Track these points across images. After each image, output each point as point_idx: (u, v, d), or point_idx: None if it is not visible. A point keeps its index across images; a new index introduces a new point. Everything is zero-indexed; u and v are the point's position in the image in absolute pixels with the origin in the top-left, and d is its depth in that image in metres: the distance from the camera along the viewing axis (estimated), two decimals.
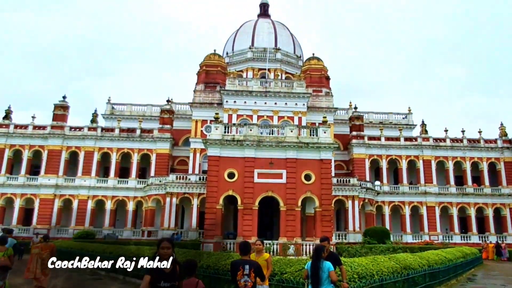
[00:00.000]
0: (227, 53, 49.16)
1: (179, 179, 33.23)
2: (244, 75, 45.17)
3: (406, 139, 40.20)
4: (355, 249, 22.80)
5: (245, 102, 37.02)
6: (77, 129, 38.56)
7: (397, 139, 39.89)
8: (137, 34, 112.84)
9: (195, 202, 32.44)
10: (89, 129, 38.55)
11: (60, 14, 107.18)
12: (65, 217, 37.10)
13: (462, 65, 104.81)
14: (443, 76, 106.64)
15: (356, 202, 33.98)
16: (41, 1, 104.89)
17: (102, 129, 38.91)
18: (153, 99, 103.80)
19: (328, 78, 41.92)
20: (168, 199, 32.62)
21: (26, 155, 37.42)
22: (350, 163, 40.00)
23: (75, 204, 36.55)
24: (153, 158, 37.96)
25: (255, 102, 36.95)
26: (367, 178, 37.81)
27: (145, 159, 38.46)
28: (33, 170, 38.11)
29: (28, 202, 36.74)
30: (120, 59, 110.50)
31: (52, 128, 37.94)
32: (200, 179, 33.08)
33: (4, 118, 38.91)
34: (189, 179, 33.35)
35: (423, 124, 42.13)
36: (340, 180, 34.61)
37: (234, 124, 30.87)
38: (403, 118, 46.09)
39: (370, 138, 39.81)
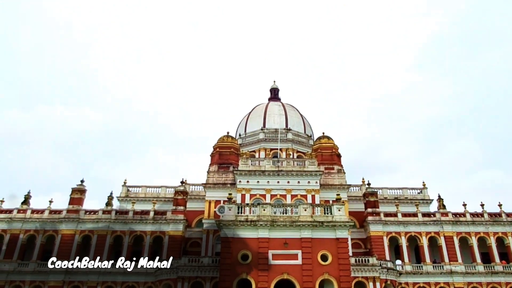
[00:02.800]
0: (239, 135, 51.05)
1: (192, 261, 32.26)
2: (257, 155, 46.28)
3: (424, 215, 39.09)
4: None
5: (258, 181, 37.38)
6: (92, 213, 38.86)
7: (415, 215, 38.83)
8: (153, 120, 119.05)
9: (208, 286, 30.98)
10: (104, 212, 38.81)
11: (79, 106, 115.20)
12: None
13: (475, 140, 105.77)
14: (457, 151, 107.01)
15: (378, 284, 31.95)
16: (66, 96, 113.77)
17: (117, 211, 39.11)
18: (167, 181, 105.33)
19: (339, 156, 42.55)
20: (179, 284, 31.31)
21: (39, 240, 37.35)
22: (368, 241, 38.52)
23: None
24: (165, 240, 37.36)
25: (268, 182, 37.26)
26: (387, 257, 36.05)
27: (157, 241, 37.85)
28: (45, 255, 37.63)
29: None
30: (136, 145, 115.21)
31: (67, 212, 38.35)
32: (213, 261, 32.05)
33: (22, 203, 39.75)
34: (202, 261, 32.34)
35: (440, 199, 41.24)
36: (359, 260, 33.05)
37: (247, 204, 30.88)
38: (418, 193, 45.34)
39: (386, 214, 38.87)
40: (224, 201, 34.27)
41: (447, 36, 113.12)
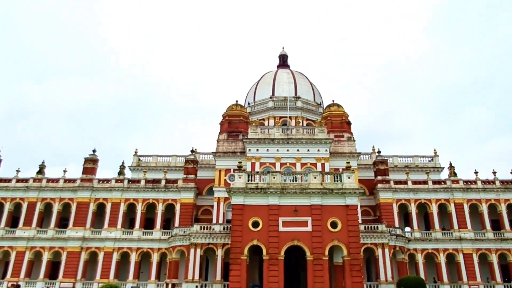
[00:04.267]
0: (248, 103, 50.64)
1: (203, 229, 33.02)
2: (266, 123, 46.06)
3: (434, 182, 38.97)
4: None
5: (267, 150, 37.40)
6: (105, 181, 39.64)
7: (425, 182, 38.73)
8: (162, 90, 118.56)
9: (220, 253, 31.88)
10: (116, 181, 39.54)
11: (90, 77, 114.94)
12: (90, 270, 37.04)
13: (489, 108, 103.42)
14: (470, 119, 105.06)
15: (387, 250, 32.48)
16: (79, 68, 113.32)
17: (129, 180, 39.82)
18: (178, 150, 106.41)
19: (349, 124, 42.11)
20: (192, 250, 32.24)
21: (56, 208, 38.47)
22: (377, 209, 38.81)
23: (100, 256, 36.61)
24: (177, 208, 38.15)
25: (278, 150, 37.26)
26: (396, 224, 36.37)
27: (169, 209, 38.69)
28: (62, 223, 38.90)
29: (56, 255, 37.11)
30: (147, 115, 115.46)
31: (81, 181, 39.20)
32: (224, 228, 32.76)
33: (37, 172, 40.73)
34: (213, 229, 33.09)
35: (451, 167, 40.94)
36: (368, 227, 33.44)
37: (257, 172, 31.07)
38: (429, 161, 45.04)
39: (396, 182, 38.84)
40: (234, 170, 34.51)
41: None
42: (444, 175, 42.72)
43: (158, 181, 39.41)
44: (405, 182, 38.73)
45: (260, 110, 48.41)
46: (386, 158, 41.25)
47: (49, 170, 41.87)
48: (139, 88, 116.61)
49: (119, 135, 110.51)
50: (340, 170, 32.63)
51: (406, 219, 38.99)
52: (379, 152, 41.18)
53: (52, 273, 36.78)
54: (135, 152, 46.19)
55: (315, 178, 27.60)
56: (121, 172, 43.06)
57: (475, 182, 38.78)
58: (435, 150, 45.27)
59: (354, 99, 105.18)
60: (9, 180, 39.74)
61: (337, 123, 41.21)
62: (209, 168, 42.15)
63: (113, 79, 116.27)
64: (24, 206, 38.56)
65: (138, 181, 39.65)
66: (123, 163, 44.40)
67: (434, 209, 37.63)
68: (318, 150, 37.27)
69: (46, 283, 34.60)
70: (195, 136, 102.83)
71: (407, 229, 37.84)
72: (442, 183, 38.97)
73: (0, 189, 39.14)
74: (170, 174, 41.85)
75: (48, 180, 39.68)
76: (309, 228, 26.20)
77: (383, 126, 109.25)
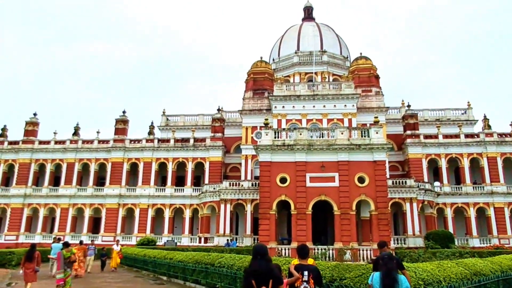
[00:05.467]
0: (273, 60, 49.65)
1: (232, 185, 34.02)
2: (291, 80, 45.30)
3: (467, 135, 37.76)
4: (417, 254, 21.76)
5: (293, 106, 37.12)
6: (136, 142, 41.04)
7: (457, 136, 37.60)
8: (187, 51, 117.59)
9: (249, 208, 32.99)
10: (147, 141, 40.84)
11: (118, 41, 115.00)
12: (128, 225, 39.51)
13: None
14: (505, 70, 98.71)
15: (415, 205, 32.50)
16: (105, 32, 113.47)
17: (159, 140, 41.02)
18: (205, 109, 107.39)
19: (377, 77, 40.74)
20: (222, 206, 33.52)
21: (93, 168, 40.55)
22: (406, 164, 38.38)
23: (137, 212, 38.81)
24: (206, 166, 39.25)
25: (304, 106, 36.90)
26: (425, 179, 36.02)
27: (199, 167, 39.88)
28: (99, 181, 41.11)
29: (96, 211, 39.67)
30: (173, 76, 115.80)
31: (114, 141, 40.76)
32: (252, 185, 33.62)
33: (73, 134, 42.66)
34: (242, 185, 34.02)
35: (486, 119, 39.34)
36: (396, 182, 33.33)
37: (283, 129, 31.11)
38: (462, 114, 43.37)
39: (426, 136, 37.94)
40: (260, 127, 34.66)
41: None
42: (478, 128, 41.27)
43: (186, 140, 40.37)
44: (436, 136, 37.76)
45: (285, 66, 47.43)
46: (416, 112, 40.05)
47: (82, 131, 43.78)
48: (165, 50, 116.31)
49: (147, 96, 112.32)
50: (368, 125, 32.05)
51: (435, 173, 38.44)
52: (408, 106, 39.97)
53: (94, 228, 39.59)
54: (163, 112, 47.07)
55: (342, 133, 27.37)
56: (150, 132, 44.28)
57: (510, 135, 37.27)
58: (468, 102, 43.38)
59: (382, 51, 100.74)
60: (48, 142, 41.91)
61: (365, 77, 39.94)
62: (236, 126, 42.54)
63: (139, 42, 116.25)
64: (64, 166, 40.86)
65: (168, 140, 40.76)
66: (152, 123, 45.54)
67: (465, 163, 36.79)
68: (345, 105, 36.60)
69: (90, 237, 37.34)
70: (222, 95, 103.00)
71: (437, 183, 37.41)
72: (475, 136, 37.71)
73: (41, 151, 41.48)
74: (198, 133, 42.65)
75: (84, 142, 41.56)
76: (336, 184, 26.42)
77: (413, 79, 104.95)
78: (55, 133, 42.43)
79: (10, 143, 42.32)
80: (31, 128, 42.55)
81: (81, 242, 21.65)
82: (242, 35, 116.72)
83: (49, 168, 41.13)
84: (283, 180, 26.99)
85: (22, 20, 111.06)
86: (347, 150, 26.68)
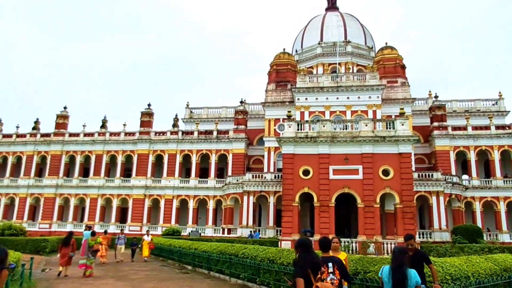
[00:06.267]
0: (296, 51, 49.21)
1: (255, 177, 34.25)
2: (314, 71, 44.80)
3: (497, 127, 36.37)
4: (444, 249, 21.31)
5: (316, 98, 36.79)
6: (161, 134, 41.90)
7: (487, 127, 36.30)
8: (212, 43, 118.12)
9: (271, 200, 33.17)
10: (171, 133, 41.61)
11: (140, 35, 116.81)
12: (154, 215, 40.57)
13: None
14: None
15: (441, 198, 31.76)
16: (128, 27, 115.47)
17: (183, 132, 41.71)
18: (227, 101, 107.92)
19: (403, 67, 39.70)
20: (245, 198, 33.84)
21: (120, 159, 41.77)
22: (432, 156, 37.45)
23: (162, 203, 39.77)
24: (229, 158, 39.64)
25: (327, 98, 36.50)
26: (453, 172, 35.07)
27: (222, 159, 40.33)
28: (126, 173, 42.33)
29: (123, 201, 40.92)
30: (196, 68, 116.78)
31: (140, 134, 41.79)
32: (275, 177, 33.74)
33: (101, 127, 44.00)
34: (265, 177, 34.20)
35: None
36: (422, 175, 32.63)
37: (306, 121, 30.93)
38: (493, 105, 41.71)
39: (455, 128, 36.82)
40: (283, 119, 34.63)
41: None
42: (509, 119, 39.70)
43: (210, 132, 40.85)
44: (464, 128, 36.60)
45: (308, 57, 46.92)
46: (443, 103, 38.87)
47: (109, 124, 45.11)
48: (188, 44, 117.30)
49: (171, 89, 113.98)
50: (393, 117, 31.44)
51: (464, 166, 37.37)
52: (436, 97, 38.83)
53: (122, 218, 40.90)
54: (187, 105, 47.71)
55: (366, 125, 26.97)
56: (175, 125, 45.05)
57: None
58: (500, 92, 41.63)
59: (408, 41, 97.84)
60: (77, 135, 43.45)
61: (390, 67, 39.02)
62: (259, 118, 42.63)
63: (161, 35, 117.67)
64: (93, 158, 42.29)
65: (192, 132, 41.38)
66: (176, 115, 46.29)
67: (496, 156, 35.51)
68: (370, 97, 35.96)
69: (118, 226, 38.63)
70: (245, 88, 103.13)
71: (465, 176, 36.39)
72: (507, 128, 36.28)
73: (71, 143, 43.05)
74: (221, 125, 43.04)
75: (111, 134, 42.82)
76: (360, 176, 26.14)
77: (441, 70, 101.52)
78: (84, 126, 43.91)
79: (42, 135, 44.16)
80: (62, 121, 44.18)
81: (105, 232, 23.21)
82: (265, 27, 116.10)
83: (79, 159, 42.67)
84: (306, 173, 26.95)
85: (50, 18, 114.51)
86: (371, 142, 26.31)
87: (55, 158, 42.95)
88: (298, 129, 28.12)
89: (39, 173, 43.97)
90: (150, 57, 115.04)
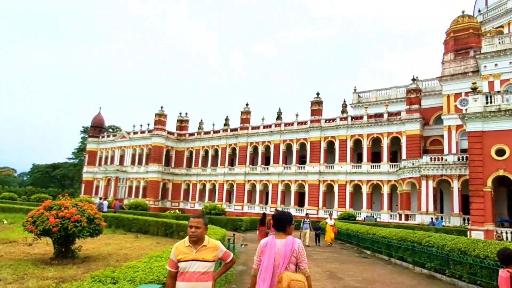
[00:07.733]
0: (479, 11, 41.97)
1: (434, 160, 31.46)
2: (506, 30, 37.35)
3: None
4: None
5: (510, 63, 30.75)
6: (331, 121, 43.03)
7: None
8: (376, 27, 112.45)
9: (455, 184, 29.89)
10: (341, 119, 42.20)
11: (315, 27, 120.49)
12: (328, 199, 42.26)
13: None
14: None
15: None
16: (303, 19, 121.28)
17: (352, 117, 41.71)
18: (397, 81, 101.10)
19: None
20: (423, 182, 31.55)
21: (294, 147, 45.13)
22: None
23: (335, 188, 41.01)
24: (403, 140, 37.51)
25: None
26: None
27: (394, 142, 38.51)
28: (301, 159, 45.41)
29: (300, 187, 44.12)
30: (361, 53, 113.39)
31: (311, 122, 44.03)
32: (459, 159, 30.19)
33: (276, 119, 48.44)
34: (446, 160, 31.01)
35: None
36: None
37: (498, 91, 26.39)
38: None
39: None
40: (466, 93, 30.52)
41: None
42: None
43: (380, 115, 39.53)
44: None
45: (496, 16, 39.31)
46: None
47: (283, 115, 49.03)
48: (353, 29, 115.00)
49: (336, 76, 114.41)
50: None
51: None
52: None
53: (300, 201, 44.22)
54: (354, 90, 47.30)
55: None
56: (343, 111, 45.39)
57: None
58: None
59: None
60: (258, 127, 49.10)
61: None
62: (434, 95, 38.73)
63: (332, 26, 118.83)
64: (271, 147, 47.05)
65: (361, 117, 40.95)
66: (344, 101, 46.51)
67: None
68: None
69: (296, 210, 42.00)
70: (415, 64, 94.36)
71: None
72: None
73: (253, 135, 48.99)
74: (392, 107, 41.02)
75: (286, 124, 46.61)
76: None
77: None
78: (263, 119, 49.22)
79: (232, 130, 51.81)
80: (245, 116, 50.74)
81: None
82: None
83: (260, 149, 48.19)
84: (500, 152, 23.22)
85: (228, 22, 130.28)
86: None
87: (242, 149, 49.69)
88: (486, 102, 24.37)
89: (231, 162, 51.77)
90: (319, 48, 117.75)
